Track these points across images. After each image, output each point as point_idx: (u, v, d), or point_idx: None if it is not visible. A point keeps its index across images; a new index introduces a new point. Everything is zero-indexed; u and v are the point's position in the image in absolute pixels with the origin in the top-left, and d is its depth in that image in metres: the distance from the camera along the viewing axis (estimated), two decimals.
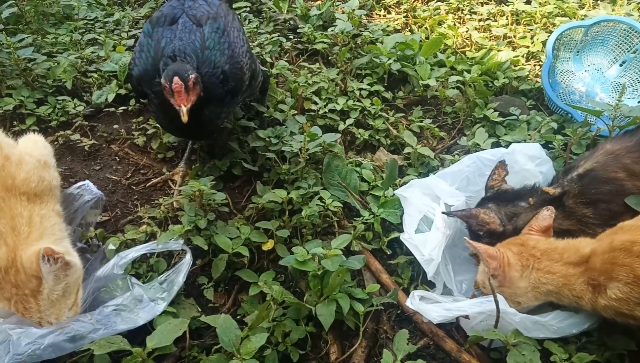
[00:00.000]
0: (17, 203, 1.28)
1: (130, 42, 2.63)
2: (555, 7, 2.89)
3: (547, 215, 1.41)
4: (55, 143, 2.04)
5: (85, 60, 2.43)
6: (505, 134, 2.11)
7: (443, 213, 1.56)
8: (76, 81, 2.32)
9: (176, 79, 1.46)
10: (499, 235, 1.50)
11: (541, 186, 1.61)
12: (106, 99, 2.23)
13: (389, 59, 2.43)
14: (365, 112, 2.23)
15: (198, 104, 1.56)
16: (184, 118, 1.48)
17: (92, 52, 2.49)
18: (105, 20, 2.87)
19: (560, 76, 2.44)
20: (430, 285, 1.57)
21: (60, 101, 2.19)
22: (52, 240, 1.28)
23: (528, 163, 1.72)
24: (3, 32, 2.42)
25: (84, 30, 2.77)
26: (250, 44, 2.54)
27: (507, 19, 2.92)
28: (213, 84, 1.63)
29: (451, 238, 1.60)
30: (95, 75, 2.35)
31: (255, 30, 2.73)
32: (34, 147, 1.47)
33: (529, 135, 2.06)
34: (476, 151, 1.85)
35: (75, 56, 2.41)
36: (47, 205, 1.35)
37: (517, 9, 2.93)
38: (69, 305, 1.24)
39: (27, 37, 2.38)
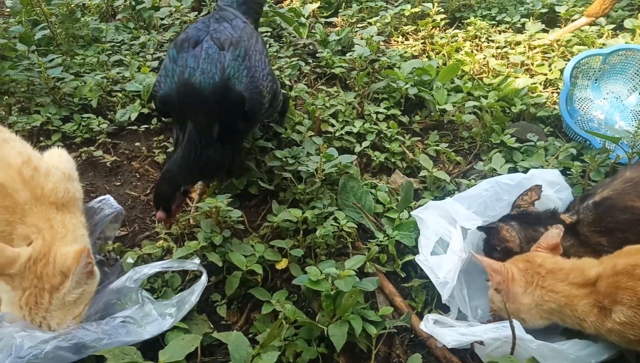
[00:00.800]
0: (47, 209, 1.32)
1: (155, 63, 2.71)
2: (574, 36, 2.90)
3: (555, 234, 1.41)
4: (79, 158, 2.10)
5: (110, 80, 2.52)
6: (522, 160, 2.10)
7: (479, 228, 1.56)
8: (101, 99, 2.40)
9: (159, 215, 1.55)
10: (514, 254, 1.49)
11: (559, 212, 1.59)
12: (129, 118, 2.30)
13: (406, 83, 2.46)
14: (382, 135, 2.25)
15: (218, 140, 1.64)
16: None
17: (118, 73, 2.58)
18: (132, 43, 2.98)
19: (579, 104, 2.43)
20: (445, 310, 1.55)
21: (85, 119, 2.26)
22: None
23: (547, 189, 1.71)
24: (35, 52, 2.52)
25: (111, 52, 2.87)
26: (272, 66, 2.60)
27: (524, 47, 2.94)
28: (231, 102, 1.67)
29: (467, 262, 1.59)
30: (120, 94, 2.42)
31: (275, 54, 2.80)
32: (59, 160, 1.52)
33: (547, 161, 2.05)
34: (493, 176, 1.84)
35: (101, 76, 2.50)
36: (75, 216, 1.39)
37: (535, 37, 2.95)
38: (75, 314, 1.25)
39: (57, 58, 2.48)
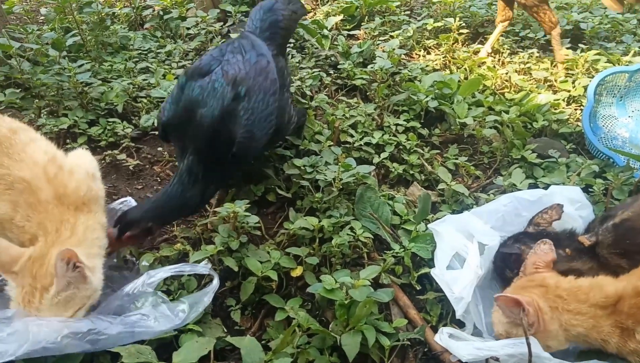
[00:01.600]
0: (65, 210, 1.36)
1: (179, 71, 2.78)
2: (599, 54, 2.87)
3: (547, 249, 1.38)
4: (103, 161, 2.15)
5: (136, 86, 2.58)
6: (543, 176, 2.08)
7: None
8: (127, 105, 2.46)
9: (109, 231, 1.50)
10: None
11: (578, 231, 1.56)
12: (153, 123, 2.35)
13: (427, 96, 2.46)
14: (401, 147, 2.25)
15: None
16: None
17: (144, 80, 2.64)
18: (158, 51, 3.05)
19: (602, 121, 2.40)
20: (460, 325, 1.53)
21: (111, 123, 2.32)
22: (85, 252, 1.33)
23: (567, 206, 1.68)
24: (66, 58, 2.61)
25: (138, 59, 2.95)
26: (292, 77, 2.63)
27: (548, 63, 2.92)
28: (221, 146, 1.68)
29: (483, 278, 1.57)
30: (145, 100, 2.48)
31: (297, 65, 2.84)
32: (83, 160, 1.57)
33: (568, 178, 2.02)
34: (512, 192, 1.82)
35: (127, 82, 2.57)
36: (94, 216, 1.42)
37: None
38: (65, 316, 1.26)
39: (86, 64, 2.56)
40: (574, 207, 1.70)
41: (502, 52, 3.06)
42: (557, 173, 2.06)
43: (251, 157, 1.77)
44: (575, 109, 2.60)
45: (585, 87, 2.54)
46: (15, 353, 1.15)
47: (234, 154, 1.68)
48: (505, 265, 1.55)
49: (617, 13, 3.07)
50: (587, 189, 1.92)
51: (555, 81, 2.78)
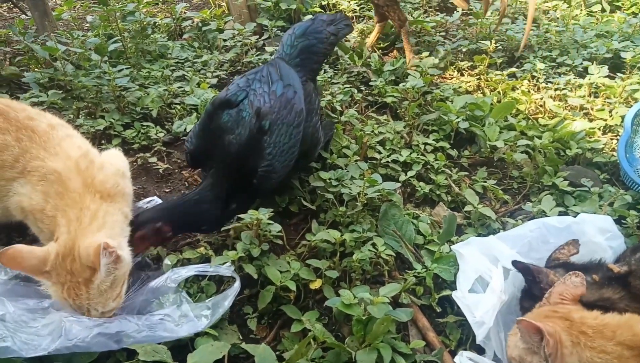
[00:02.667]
0: (89, 198, 1.40)
1: (214, 81, 2.84)
2: (639, 83, 2.79)
3: (577, 282, 1.32)
4: (134, 163, 2.21)
5: (171, 93, 2.66)
6: (574, 205, 2.01)
7: (513, 262, 1.49)
8: (161, 110, 2.54)
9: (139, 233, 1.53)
10: None
11: (607, 262, 1.51)
12: (185, 129, 2.41)
13: (458, 117, 2.44)
14: (428, 166, 2.23)
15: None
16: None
17: (179, 87, 2.71)
18: (195, 60, 3.14)
19: (639, 152, 2.32)
20: (479, 352, 1.48)
21: (145, 127, 2.39)
22: (108, 234, 1.36)
23: (597, 235, 1.63)
24: (107, 62, 2.71)
25: (175, 67, 3.03)
26: (324, 91, 2.65)
27: (585, 90, 2.86)
28: (241, 181, 1.72)
29: (507, 304, 1.52)
30: (179, 107, 2.55)
31: (329, 80, 2.86)
32: (115, 158, 1.62)
33: (601, 208, 1.95)
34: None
35: (163, 89, 2.64)
36: (116, 205, 1.46)
37: (597, 82, 2.86)
38: (114, 296, 1.32)
39: (125, 69, 2.65)
40: (604, 237, 1.64)
41: (538, 78, 3.01)
42: (589, 202, 2.00)
43: (271, 187, 1.79)
44: (611, 139, 2.53)
45: (623, 117, 2.47)
46: (47, 348, 1.20)
47: (254, 184, 1.72)
48: (527, 286, 1.50)
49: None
50: (620, 221, 1.86)
51: (592, 108, 2.71)
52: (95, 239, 1.28)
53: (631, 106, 2.50)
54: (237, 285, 1.49)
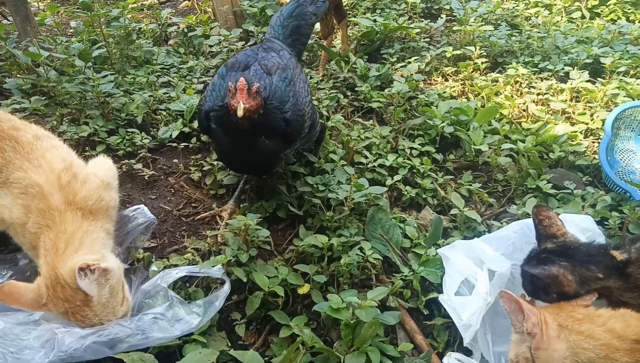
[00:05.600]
0: (69, 218, 1.38)
1: (200, 87, 2.83)
2: (618, 87, 2.85)
3: (587, 299, 1.31)
4: (119, 170, 2.18)
5: (157, 99, 2.64)
6: (557, 207, 2.05)
7: (523, 267, 1.47)
8: (146, 116, 2.52)
9: (242, 79, 1.57)
10: (568, 298, 1.36)
11: (610, 248, 1.49)
12: (170, 135, 2.39)
13: (443, 122, 2.46)
14: (414, 170, 2.25)
15: (258, 132, 1.66)
16: (240, 113, 1.53)
17: (164, 93, 2.70)
18: (180, 66, 3.12)
19: (620, 155, 2.37)
20: (467, 353, 1.49)
21: (130, 133, 2.37)
22: (87, 251, 1.35)
23: (579, 234, 1.64)
24: (91, 68, 2.69)
25: (160, 73, 3.02)
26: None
27: (566, 95, 2.91)
28: (275, 120, 1.72)
29: (492, 306, 1.54)
30: (164, 113, 2.54)
31: (315, 85, 2.87)
32: (101, 168, 1.60)
33: (584, 210, 1.98)
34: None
35: (148, 95, 2.62)
36: (97, 223, 1.44)
37: (578, 87, 2.92)
38: (119, 301, 1.32)
39: (109, 75, 2.63)
40: (585, 236, 1.66)
41: (521, 83, 3.06)
42: (572, 204, 2.03)
43: (299, 139, 1.85)
44: (593, 142, 2.58)
45: (604, 121, 2.52)
46: (41, 362, 1.17)
47: (286, 133, 1.75)
48: (539, 288, 1.44)
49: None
50: (602, 222, 1.89)
51: (574, 113, 2.77)
52: (74, 262, 1.26)
53: (611, 110, 2.56)
54: (226, 287, 1.49)
